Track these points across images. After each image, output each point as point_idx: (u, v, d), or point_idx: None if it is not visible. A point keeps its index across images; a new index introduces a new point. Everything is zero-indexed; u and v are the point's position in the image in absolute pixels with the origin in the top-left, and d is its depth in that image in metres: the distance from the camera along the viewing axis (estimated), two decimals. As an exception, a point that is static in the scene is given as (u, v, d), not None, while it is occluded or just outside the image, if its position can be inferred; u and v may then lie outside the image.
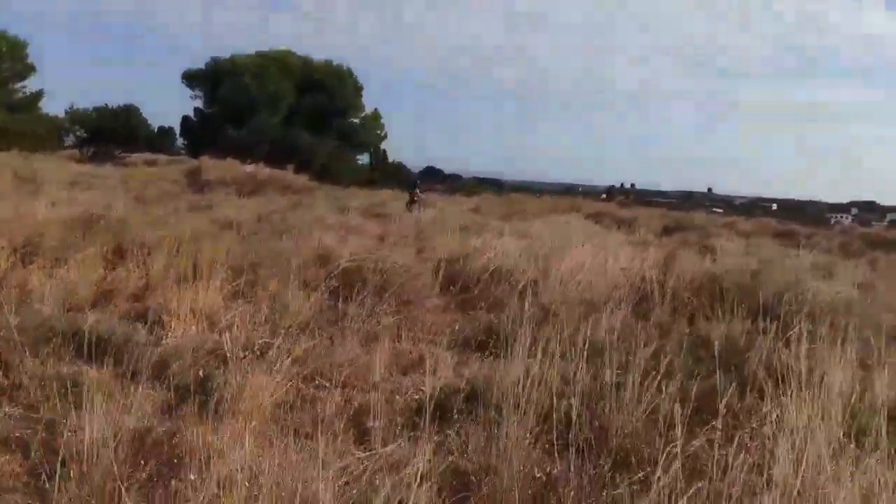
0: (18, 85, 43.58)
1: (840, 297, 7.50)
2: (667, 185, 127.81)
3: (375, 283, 6.41)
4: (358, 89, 46.93)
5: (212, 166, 27.23)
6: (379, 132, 49.05)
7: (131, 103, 50.10)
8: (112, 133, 46.46)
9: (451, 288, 7.64)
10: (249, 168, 27.01)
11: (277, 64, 43.73)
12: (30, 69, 43.73)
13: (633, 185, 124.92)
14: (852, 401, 3.96)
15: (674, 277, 7.83)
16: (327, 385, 4.23)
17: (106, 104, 50.27)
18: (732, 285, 7.43)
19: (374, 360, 4.64)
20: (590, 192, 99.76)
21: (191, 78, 44.68)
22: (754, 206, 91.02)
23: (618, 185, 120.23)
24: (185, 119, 48.72)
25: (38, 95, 43.64)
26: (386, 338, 5.56)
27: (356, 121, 46.79)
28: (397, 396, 4.36)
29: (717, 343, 4.62)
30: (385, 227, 14.29)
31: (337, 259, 7.39)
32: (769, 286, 7.45)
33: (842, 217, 73.64)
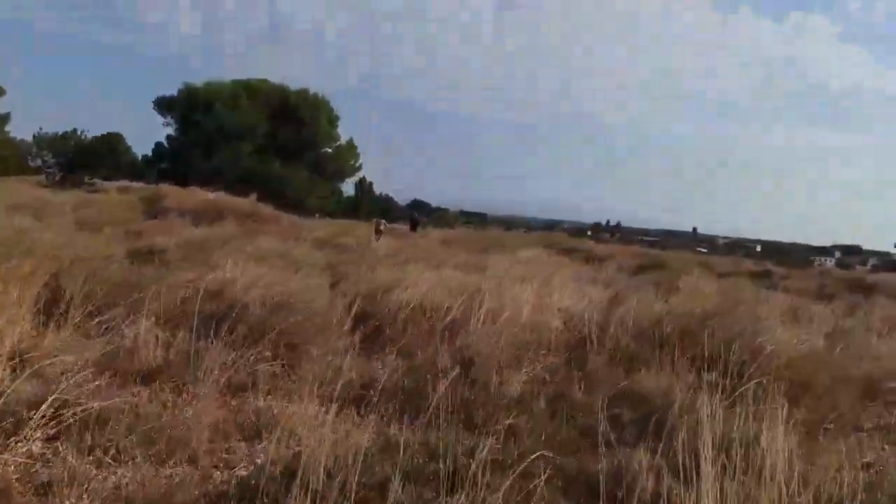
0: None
1: (802, 347, 6.64)
2: (653, 223, 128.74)
3: (254, 321, 5.47)
4: (333, 119, 46.33)
5: (172, 193, 26.30)
6: (353, 162, 48.38)
7: (116, 131, 49.21)
8: (92, 158, 45.50)
9: (362, 327, 6.73)
10: (211, 196, 26.06)
11: (251, 92, 43.09)
12: (-2, 91, 42.82)
13: (618, 223, 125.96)
14: (790, 490, 3.07)
15: (617, 321, 6.95)
16: (111, 462, 3.26)
17: (79, 130, 49.47)
18: (678, 331, 6.55)
19: (202, 420, 3.68)
20: (576, 228, 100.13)
21: (163, 104, 43.89)
22: (737, 247, 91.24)
23: (603, 222, 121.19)
24: (158, 146, 47.94)
25: (5, 119, 42.67)
26: (251, 389, 4.61)
27: (330, 150, 46.08)
28: (216, 472, 3.41)
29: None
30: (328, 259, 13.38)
31: (232, 293, 6.45)
32: (722, 332, 6.59)
33: (825, 260, 73.64)
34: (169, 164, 43.98)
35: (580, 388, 5.54)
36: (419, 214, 40.75)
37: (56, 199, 26.06)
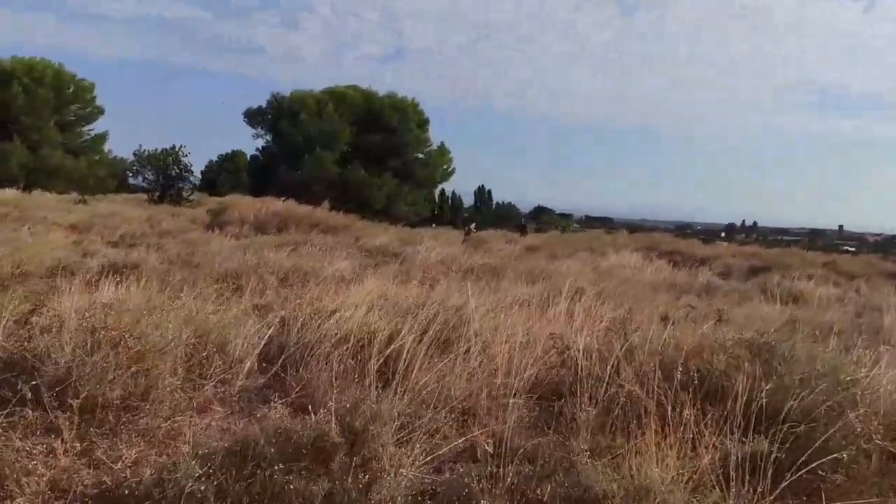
0: (87, 128, 44.67)
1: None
2: (795, 222, 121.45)
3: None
4: (423, 123, 45.15)
5: (237, 204, 25.75)
6: (445, 167, 46.98)
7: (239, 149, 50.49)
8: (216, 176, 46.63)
9: (269, 365, 5.03)
10: (277, 206, 25.30)
11: (337, 99, 42.65)
12: (98, 112, 44.69)
13: (755, 223, 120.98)
14: None
15: (626, 353, 4.84)
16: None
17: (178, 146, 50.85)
18: (718, 372, 4.36)
19: None
20: (709, 230, 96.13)
21: (252, 116, 44.30)
22: (890, 244, 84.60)
23: (738, 222, 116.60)
24: (253, 159, 48.52)
25: (103, 137, 44.44)
26: None
27: (420, 156, 44.90)
28: None
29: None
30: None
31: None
32: (793, 375, 4.37)
33: None
34: (260, 176, 44.27)
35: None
36: (470, 224, 40.04)
37: (131, 212, 26.27)
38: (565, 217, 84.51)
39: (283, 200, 26.30)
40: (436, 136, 45.67)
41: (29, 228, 16.56)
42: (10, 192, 33.43)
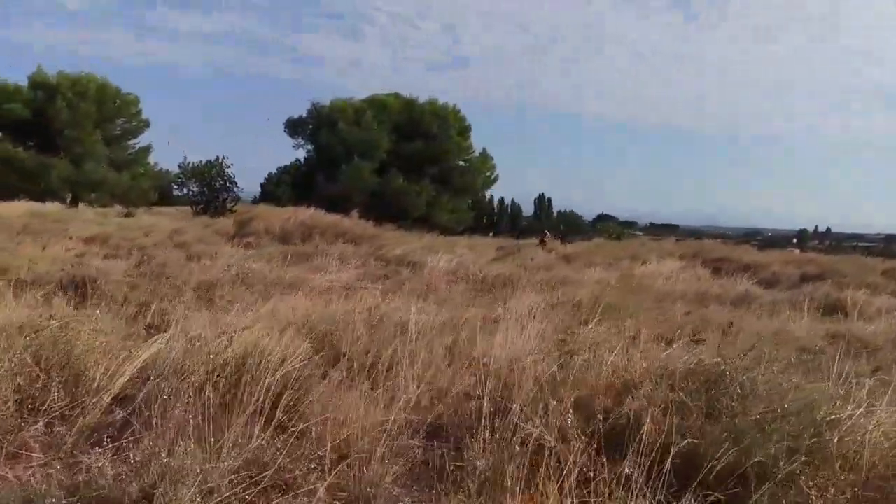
0: (132, 141, 45.43)
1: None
2: (872, 227, 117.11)
3: None
4: (464, 129, 44.39)
5: (263, 214, 25.51)
6: (488, 174, 46.05)
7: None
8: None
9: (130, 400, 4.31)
10: (304, 216, 24.92)
11: (376, 106, 42.29)
12: (143, 125, 45.42)
13: (828, 229, 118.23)
14: None
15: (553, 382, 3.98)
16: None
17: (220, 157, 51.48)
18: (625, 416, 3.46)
19: None
20: (780, 236, 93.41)
21: (292, 126, 44.35)
22: None
23: (811, 228, 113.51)
24: (297, 169, 48.49)
25: (147, 150, 45.15)
26: None
27: (462, 163, 44.13)
28: None
29: None
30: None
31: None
32: (750, 414, 3.46)
33: None
34: (301, 187, 44.21)
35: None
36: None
37: (166, 224, 26.33)
38: (629, 224, 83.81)
39: (310, 209, 25.91)
40: (496, 142, 45.00)
41: (43, 241, 16.53)
42: (52, 206, 34.26)
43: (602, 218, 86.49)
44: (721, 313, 10.47)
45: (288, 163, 47.34)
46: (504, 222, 65.24)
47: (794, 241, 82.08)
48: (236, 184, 50.34)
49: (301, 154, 45.63)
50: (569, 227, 61.78)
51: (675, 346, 4.82)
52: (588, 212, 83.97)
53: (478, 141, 45.67)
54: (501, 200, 68.20)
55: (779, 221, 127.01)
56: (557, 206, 74.61)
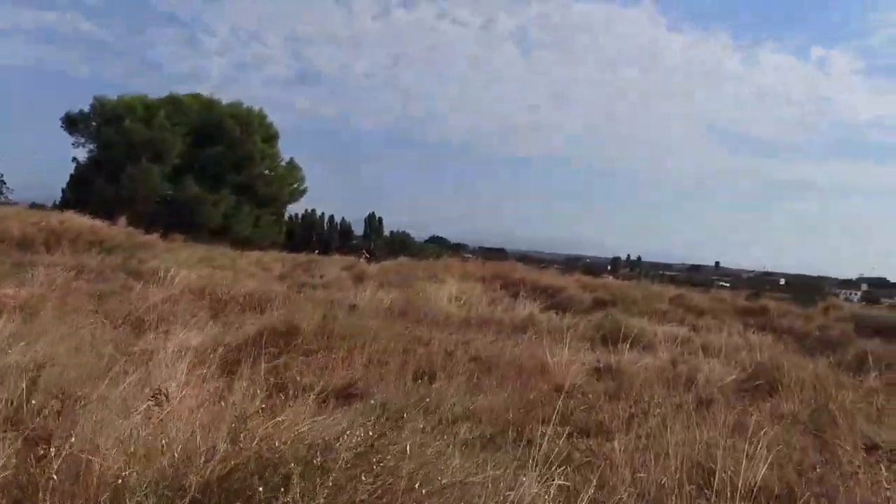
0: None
1: None
2: (678, 257, 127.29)
3: None
4: (271, 137, 41.79)
5: (5, 216, 21.61)
6: (295, 185, 43.68)
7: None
8: None
9: None
10: (54, 221, 21.40)
11: (171, 106, 38.66)
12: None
13: (639, 257, 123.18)
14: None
15: None
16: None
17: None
18: None
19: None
20: (596, 263, 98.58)
21: (72, 122, 39.47)
22: (762, 281, 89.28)
23: (623, 256, 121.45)
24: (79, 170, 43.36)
25: None
26: None
27: (267, 172, 41.43)
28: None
29: None
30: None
31: None
32: None
33: (850, 293, 69.79)
34: (77, 190, 39.48)
35: None
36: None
37: None
38: (460, 246, 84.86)
39: (65, 213, 22.44)
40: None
41: None
42: None
43: (434, 239, 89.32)
44: (482, 343, 9.15)
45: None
46: (334, 240, 63.63)
47: (608, 267, 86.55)
48: (4, 183, 44.39)
49: (82, 154, 40.81)
50: (399, 246, 61.86)
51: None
52: (425, 233, 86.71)
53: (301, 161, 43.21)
54: (332, 218, 66.65)
55: (599, 250, 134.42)
56: (393, 226, 75.77)
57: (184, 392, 4.01)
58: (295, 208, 57.09)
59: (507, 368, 7.67)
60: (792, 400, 7.20)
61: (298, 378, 5.40)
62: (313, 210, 63.00)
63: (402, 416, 3.84)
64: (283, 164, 42.74)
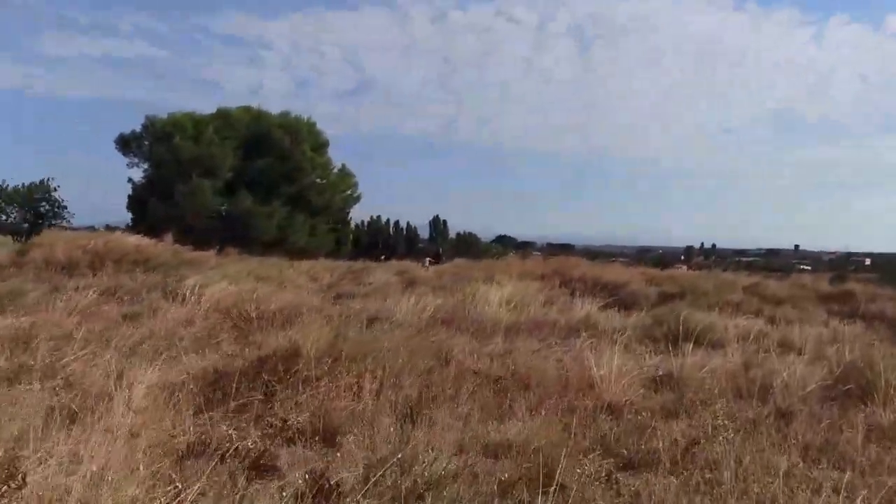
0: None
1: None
2: (755, 243, 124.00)
3: None
4: (320, 145, 41.58)
5: (50, 240, 21.80)
6: (348, 192, 43.40)
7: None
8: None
9: None
10: (99, 242, 21.42)
11: (220, 120, 38.87)
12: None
13: (713, 245, 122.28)
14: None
15: None
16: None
17: (48, 179, 46.41)
18: None
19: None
20: (669, 253, 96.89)
21: (125, 143, 40.11)
22: (845, 262, 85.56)
23: (697, 245, 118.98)
24: (138, 191, 44.12)
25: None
26: None
27: (318, 181, 41.22)
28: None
29: None
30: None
31: None
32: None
33: None
34: (136, 211, 40.16)
35: None
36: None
37: None
38: (527, 245, 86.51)
39: (113, 234, 22.48)
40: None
41: None
42: None
43: (500, 239, 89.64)
44: (525, 353, 8.23)
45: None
46: (400, 245, 64.01)
47: (682, 258, 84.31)
48: (66, 208, 45.42)
49: (137, 174, 41.46)
50: (465, 248, 62.13)
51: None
52: (492, 234, 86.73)
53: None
54: (397, 223, 67.02)
55: (673, 240, 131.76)
56: (461, 227, 76.57)
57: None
58: (360, 215, 57.88)
59: (549, 384, 6.77)
60: (891, 406, 6.06)
61: (276, 421, 4.63)
62: (378, 216, 63.72)
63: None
64: (334, 171, 42.52)
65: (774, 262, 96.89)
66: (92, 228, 40.79)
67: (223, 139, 37.90)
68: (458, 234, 74.47)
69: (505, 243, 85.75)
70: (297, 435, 4.58)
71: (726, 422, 5.23)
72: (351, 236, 51.69)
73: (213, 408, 4.68)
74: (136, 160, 40.26)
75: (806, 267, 64.24)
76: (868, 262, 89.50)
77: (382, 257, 39.84)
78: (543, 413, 5.74)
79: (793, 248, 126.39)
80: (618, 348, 8.83)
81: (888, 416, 5.72)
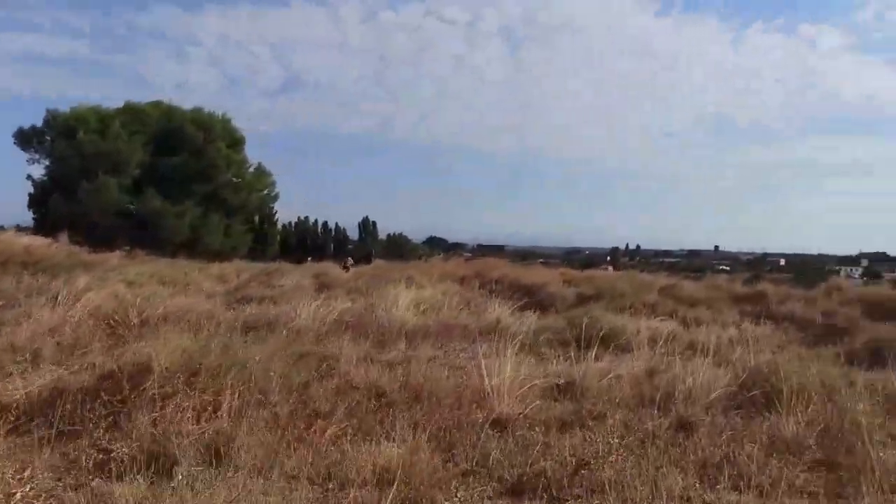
0: None
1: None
2: (675, 245, 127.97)
3: None
4: (236, 142, 40.21)
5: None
6: (265, 192, 42.12)
7: None
8: None
9: None
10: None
11: (128, 115, 37.10)
12: None
13: (637, 246, 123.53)
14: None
15: None
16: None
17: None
18: None
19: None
20: (596, 254, 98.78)
21: (24, 137, 37.86)
22: (761, 262, 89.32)
23: (622, 246, 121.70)
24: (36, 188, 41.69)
25: None
26: None
27: (234, 180, 39.83)
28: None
29: None
30: None
31: None
32: None
33: (850, 270, 69.99)
34: (37, 210, 38.01)
35: None
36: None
37: None
38: (458, 246, 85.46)
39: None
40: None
41: None
42: None
43: (431, 240, 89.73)
44: (423, 360, 7.73)
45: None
46: (329, 246, 63.00)
47: (608, 258, 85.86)
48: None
49: (38, 171, 39.20)
50: (395, 249, 61.82)
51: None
52: (423, 235, 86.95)
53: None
54: (325, 224, 65.93)
55: (601, 241, 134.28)
56: (393, 228, 76.05)
57: None
58: (288, 216, 56.91)
59: (443, 395, 6.29)
60: (795, 415, 5.79)
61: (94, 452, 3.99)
62: (306, 217, 62.52)
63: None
64: (251, 169, 41.20)
65: (695, 262, 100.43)
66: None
67: (131, 134, 36.17)
68: (389, 236, 74.01)
69: (435, 244, 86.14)
70: (125, 468, 3.94)
71: (621, 438, 4.85)
72: (278, 237, 50.49)
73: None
74: (36, 156, 38.11)
75: (725, 267, 65.78)
76: (783, 262, 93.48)
77: (309, 259, 38.90)
78: (428, 431, 5.25)
79: (713, 249, 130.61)
80: (523, 354, 8.45)
81: (791, 427, 5.44)
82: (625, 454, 4.61)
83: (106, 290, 12.86)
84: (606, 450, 4.65)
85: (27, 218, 40.34)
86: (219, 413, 4.83)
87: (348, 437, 4.86)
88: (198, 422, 4.62)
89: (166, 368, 5.09)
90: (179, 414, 4.58)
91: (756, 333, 11.58)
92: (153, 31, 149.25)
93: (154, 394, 4.77)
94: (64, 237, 22.83)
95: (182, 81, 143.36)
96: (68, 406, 4.80)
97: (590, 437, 5.14)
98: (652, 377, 7.19)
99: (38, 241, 21.37)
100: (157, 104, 39.73)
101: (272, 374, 5.54)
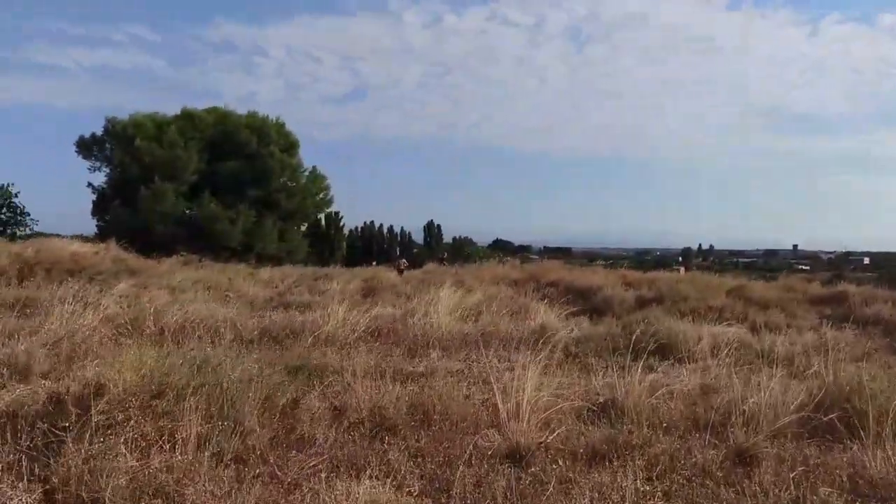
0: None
1: None
2: (752, 243, 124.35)
3: None
4: (291, 146, 40.14)
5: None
6: (320, 196, 41.92)
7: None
8: None
9: None
10: (31, 249, 20.04)
11: (182, 121, 37.43)
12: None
13: (711, 246, 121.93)
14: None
15: None
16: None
17: (8, 184, 44.93)
18: None
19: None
20: (667, 254, 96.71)
21: (85, 147, 38.61)
22: (843, 261, 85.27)
23: (695, 246, 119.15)
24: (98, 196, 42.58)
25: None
26: None
27: (289, 184, 39.77)
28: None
29: None
30: None
31: None
32: None
33: None
34: (100, 217, 38.73)
35: None
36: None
37: None
38: (524, 248, 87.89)
39: (51, 240, 21.12)
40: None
41: None
42: None
43: (497, 243, 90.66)
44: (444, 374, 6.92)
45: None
46: (394, 250, 63.54)
47: (680, 259, 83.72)
48: (28, 214, 44.06)
49: (99, 178, 40.03)
50: (457, 253, 62.34)
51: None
52: (483, 238, 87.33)
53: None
54: (391, 228, 66.52)
55: (670, 241, 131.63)
56: (456, 232, 76.95)
57: None
58: (354, 221, 57.75)
59: (457, 418, 5.47)
60: (882, 446, 4.74)
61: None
62: (372, 222, 63.26)
63: None
64: (305, 173, 41.13)
65: (772, 262, 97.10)
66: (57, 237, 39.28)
67: (187, 140, 36.49)
68: (454, 239, 74.54)
69: (501, 247, 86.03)
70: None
71: (661, 476, 3.93)
72: (344, 242, 50.99)
73: None
74: (97, 164, 38.87)
75: (804, 267, 64.37)
76: (867, 260, 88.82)
77: (374, 263, 38.88)
78: (429, 464, 4.44)
79: (791, 248, 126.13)
80: (566, 365, 7.59)
81: (878, 462, 4.41)
82: (662, 500, 3.70)
83: (142, 296, 12.48)
84: (638, 495, 3.75)
85: (91, 227, 41.37)
86: (176, 444, 4.12)
87: (324, 473, 4.08)
88: (146, 456, 3.92)
89: (123, 390, 4.41)
90: (124, 447, 3.89)
91: (836, 340, 10.34)
92: (220, 44, 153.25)
93: (98, 421, 4.09)
94: (112, 243, 22.81)
95: (252, 92, 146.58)
96: (8, 434, 4.16)
97: (622, 473, 4.24)
98: (708, 395, 6.19)
99: (86, 248, 21.42)
100: (212, 110, 40.04)
101: (251, 394, 4.81)
